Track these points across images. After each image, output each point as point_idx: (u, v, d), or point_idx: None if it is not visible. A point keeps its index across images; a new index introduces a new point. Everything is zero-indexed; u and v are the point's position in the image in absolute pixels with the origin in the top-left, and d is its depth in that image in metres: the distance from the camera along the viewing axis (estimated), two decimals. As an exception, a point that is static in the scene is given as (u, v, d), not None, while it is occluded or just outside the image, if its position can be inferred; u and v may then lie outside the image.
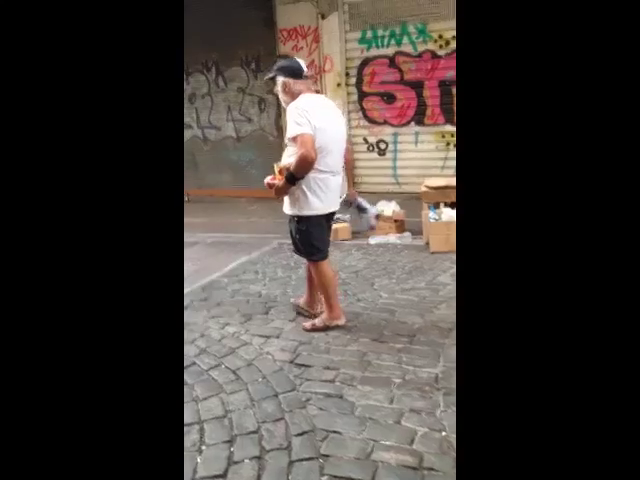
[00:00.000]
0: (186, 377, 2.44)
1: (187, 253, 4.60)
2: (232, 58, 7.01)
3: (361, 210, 3.37)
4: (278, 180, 2.58)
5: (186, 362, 2.58)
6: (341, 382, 2.30)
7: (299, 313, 3.06)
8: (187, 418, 2.07)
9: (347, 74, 6.45)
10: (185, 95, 7.39)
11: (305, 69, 2.62)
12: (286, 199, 2.67)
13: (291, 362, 2.52)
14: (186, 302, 3.41)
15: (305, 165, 2.42)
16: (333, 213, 2.81)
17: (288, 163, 2.51)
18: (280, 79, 2.60)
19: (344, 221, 5.05)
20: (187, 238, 5.38)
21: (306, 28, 6.40)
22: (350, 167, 2.95)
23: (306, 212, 2.62)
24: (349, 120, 6.64)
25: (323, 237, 2.74)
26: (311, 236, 2.68)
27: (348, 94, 6.57)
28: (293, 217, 2.69)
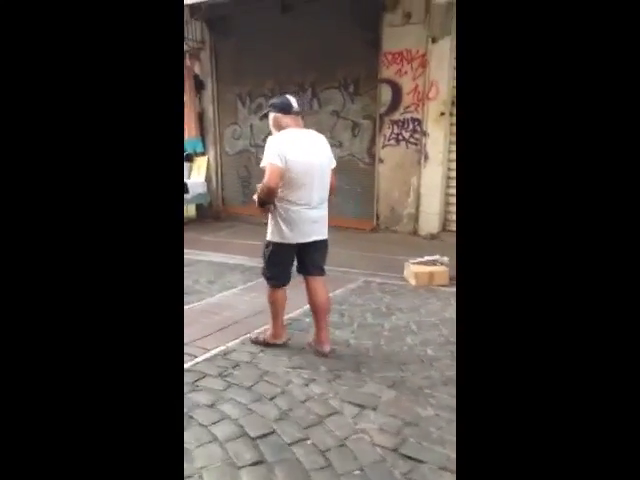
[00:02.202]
0: (264, 450, 1.98)
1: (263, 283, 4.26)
2: (330, 79, 6.70)
3: None
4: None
5: (265, 429, 2.12)
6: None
7: (309, 346, 2.99)
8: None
9: (453, 102, 5.93)
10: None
11: (295, 106, 2.78)
12: (268, 225, 2.83)
13: (395, 451, 1.98)
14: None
15: (267, 192, 2.61)
16: (314, 244, 2.82)
17: (259, 188, 2.69)
18: (271, 114, 2.79)
19: (442, 264, 4.48)
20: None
21: (413, 52, 5.96)
22: (332, 193, 2.91)
23: (274, 238, 2.79)
24: (448, 152, 6.10)
25: (283, 267, 2.85)
26: (270, 261, 2.84)
27: (451, 124, 6.04)
28: (265, 241, 2.86)
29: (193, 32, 7.45)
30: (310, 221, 2.73)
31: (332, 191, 2.86)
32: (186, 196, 7.51)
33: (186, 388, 2.49)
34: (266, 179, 2.57)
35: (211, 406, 2.33)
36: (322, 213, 2.80)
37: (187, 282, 4.58)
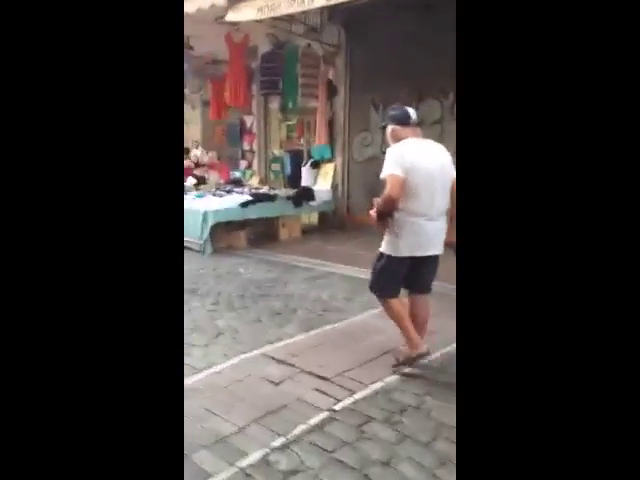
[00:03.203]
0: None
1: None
2: (474, 84, 6.18)
3: None
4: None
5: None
6: None
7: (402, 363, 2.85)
8: None
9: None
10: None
11: (414, 117, 2.79)
12: (384, 237, 2.79)
13: None
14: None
15: (388, 203, 2.59)
16: (429, 259, 2.79)
17: (381, 199, 2.65)
18: (389, 127, 2.80)
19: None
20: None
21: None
22: (452, 214, 2.75)
23: (387, 250, 2.75)
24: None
25: (394, 281, 2.80)
26: (383, 274, 2.79)
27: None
28: (378, 253, 2.82)
29: (329, 36, 7.31)
30: (427, 233, 2.69)
31: (453, 203, 2.74)
32: (312, 203, 7.39)
33: (351, 433, 2.21)
34: (388, 190, 2.56)
35: (387, 464, 2.00)
36: (441, 226, 2.75)
37: (323, 296, 4.36)
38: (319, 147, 7.74)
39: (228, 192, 7.24)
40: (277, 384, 2.70)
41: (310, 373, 2.81)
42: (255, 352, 3.13)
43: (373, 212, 2.70)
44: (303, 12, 6.62)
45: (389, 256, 2.75)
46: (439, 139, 6.51)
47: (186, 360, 3.01)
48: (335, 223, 7.78)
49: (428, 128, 6.64)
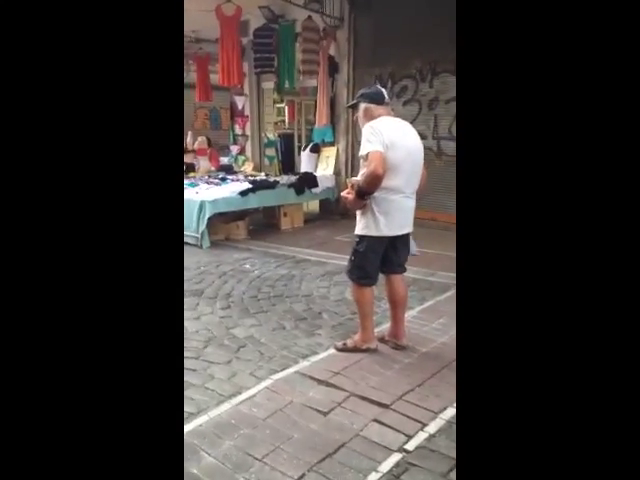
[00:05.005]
0: None
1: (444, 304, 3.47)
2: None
3: None
4: (350, 194, 2.62)
5: None
6: None
7: (382, 341, 2.93)
8: None
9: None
10: (425, 100, 6.28)
11: (386, 97, 2.77)
12: (357, 220, 2.73)
13: None
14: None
15: (373, 180, 2.49)
16: (403, 237, 2.79)
17: (359, 179, 2.59)
18: (362, 105, 2.73)
19: None
20: (427, 277, 4.27)
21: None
22: (420, 192, 2.79)
23: (369, 232, 2.67)
24: None
25: (377, 263, 2.76)
26: (366, 259, 2.72)
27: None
28: (355, 237, 2.77)
29: (330, 8, 6.73)
30: (405, 211, 2.69)
31: (423, 182, 2.78)
32: (315, 190, 6.87)
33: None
34: (372, 166, 2.45)
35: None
36: (413, 204, 2.76)
37: (347, 296, 3.87)
38: (320, 129, 7.19)
39: (222, 180, 6.68)
40: (326, 414, 2.21)
41: (363, 398, 2.33)
42: (289, 370, 2.63)
43: (347, 193, 2.64)
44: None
45: (370, 237, 2.67)
46: (455, 118, 6.12)
47: (208, 384, 2.50)
48: (338, 211, 7.27)
49: (443, 106, 6.17)
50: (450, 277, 4.15)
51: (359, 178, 2.59)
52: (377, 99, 2.72)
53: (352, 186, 2.63)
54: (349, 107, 2.97)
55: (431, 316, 3.39)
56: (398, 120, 2.76)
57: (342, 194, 2.74)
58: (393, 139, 2.54)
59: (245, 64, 7.55)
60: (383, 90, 2.82)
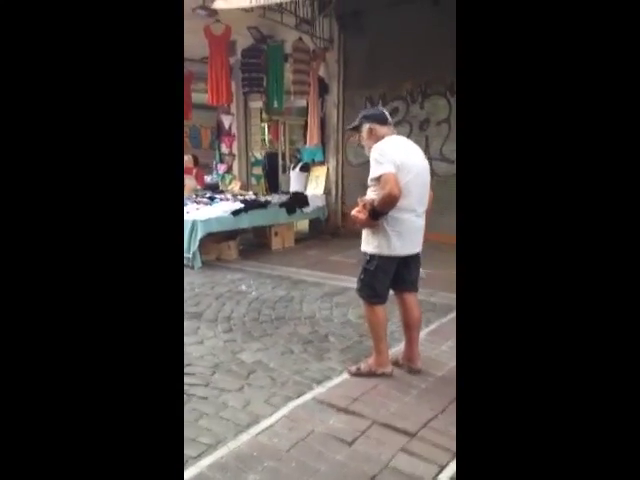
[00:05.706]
0: None
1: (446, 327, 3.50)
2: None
3: None
4: (362, 214, 2.60)
5: None
6: None
7: (396, 365, 2.87)
8: None
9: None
10: (416, 121, 6.35)
11: (389, 117, 2.78)
12: (364, 237, 2.72)
13: None
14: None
15: (389, 202, 2.49)
16: (416, 256, 2.79)
17: (372, 198, 2.57)
18: (366, 125, 2.73)
19: None
20: (428, 297, 4.24)
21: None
22: (427, 213, 2.78)
23: (381, 251, 2.65)
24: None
25: (386, 283, 2.74)
26: (375, 278, 2.70)
27: None
28: (365, 255, 2.73)
29: (320, 30, 6.78)
30: (417, 230, 2.69)
31: (431, 202, 2.79)
32: (306, 209, 6.83)
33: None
34: (388, 188, 2.46)
35: None
36: (423, 223, 2.76)
37: (351, 318, 3.82)
38: (311, 149, 7.19)
39: (211, 199, 6.58)
40: (350, 443, 2.13)
41: (386, 425, 2.26)
42: (305, 397, 2.54)
43: (357, 212, 2.61)
44: (294, 1, 6.09)
45: (381, 256, 2.66)
46: (446, 139, 6.20)
47: (222, 413, 2.40)
48: (328, 230, 7.24)
49: (434, 127, 6.25)
50: (450, 298, 4.13)
51: (372, 196, 2.57)
52: (380, 119, 2.74)
53: (364, 205, 2.60)
54: (351, 129, 2.92)
55: (439, 338, 3.35)
56: (403, 139, 2.76)
57: (352, 213, 2.69)
58: (403, 159, 2.55)
59: (232, 83, 7.53)
60: (385, 111, 2.84)
